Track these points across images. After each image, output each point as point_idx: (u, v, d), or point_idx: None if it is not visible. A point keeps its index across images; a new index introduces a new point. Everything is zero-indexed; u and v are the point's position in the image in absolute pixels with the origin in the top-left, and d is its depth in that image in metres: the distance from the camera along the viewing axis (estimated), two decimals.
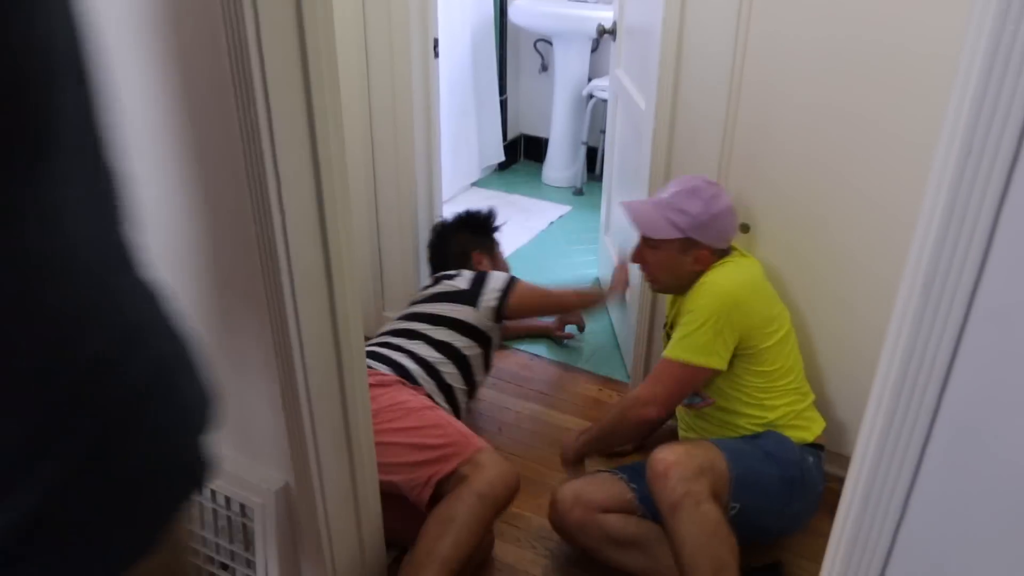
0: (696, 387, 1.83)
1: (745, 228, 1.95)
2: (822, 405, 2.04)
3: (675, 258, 1.83)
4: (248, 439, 1.50)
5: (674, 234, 1.79)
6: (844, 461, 2.03)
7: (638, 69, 2.23)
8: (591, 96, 3.81)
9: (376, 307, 2.65)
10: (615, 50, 2.56)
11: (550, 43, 3.97)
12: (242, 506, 1.50)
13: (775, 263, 1.96)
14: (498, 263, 2.50)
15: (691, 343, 1.74)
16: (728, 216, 1.82)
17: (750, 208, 1.94)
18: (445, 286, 2.17)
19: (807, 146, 1.82)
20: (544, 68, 4.13)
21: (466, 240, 2.46)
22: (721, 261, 1.83)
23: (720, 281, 1.78)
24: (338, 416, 1.42)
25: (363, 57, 2.30)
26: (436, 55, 2.36)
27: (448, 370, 2.02)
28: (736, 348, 1.75)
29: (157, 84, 1.21)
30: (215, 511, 1.56)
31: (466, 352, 2.06)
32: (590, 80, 3.89)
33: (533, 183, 4.09)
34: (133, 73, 1.22)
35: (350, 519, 1.55)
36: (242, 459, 1.52)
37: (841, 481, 1.02)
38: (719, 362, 1.75)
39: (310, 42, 1.11)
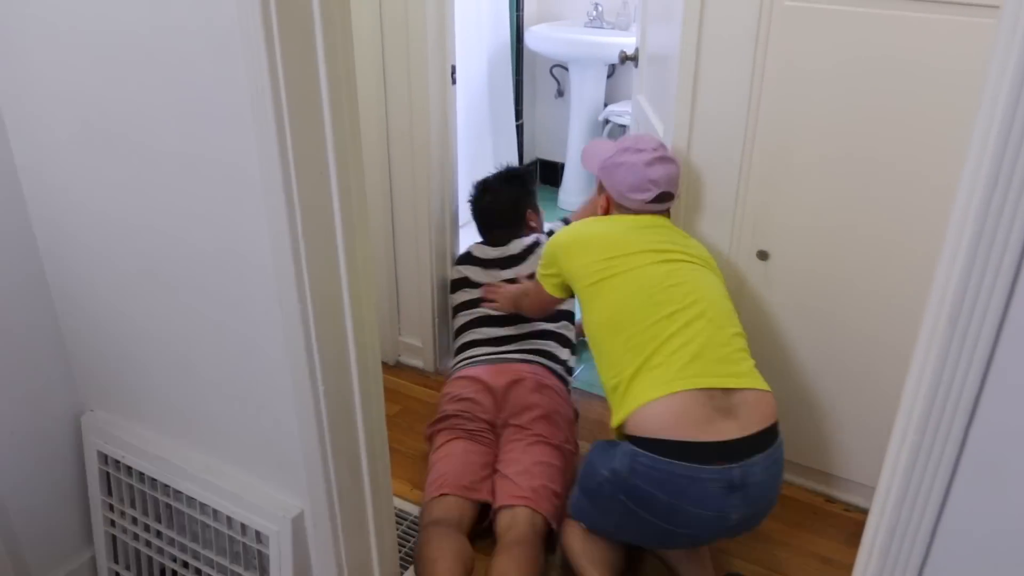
0: (545, 304, 2.03)
1: (763, 255, 1.94)
2: (835, 432, 2.02)
3: (595, 197, 2.04)
4: (264, 465, 1.49)
5: (591, 169, 1.98)
6: (854, 487, 2.04)
7: (659, 96, 2.23)
8: (607, 121, 3.82)
9: (392, 331, 2.65)
10: (637, 76, 2.57)
11: (566, 68, 3.98)
12: (257, 533, 1.50)
13: (793, 292, 1.94)
14: (541, 218, 2.60)
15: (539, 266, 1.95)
16: (628, 174, 1.85)
17: (768, 235, 1.93)
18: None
19: (826, 174, 1.81)
20: (560, 93, 4.15)
21: (516, 195, 2.54)
22: (614, 215, 1.91)
23: (574, 226, 1.91)
24: (355, 442, 1.42)
25: (381, 83, 2.32)
26: (453, 81, 2.37)
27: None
28: (570, 287, 1.86)
29: (172, 110, 1.22)
30: (230, 538, 1.55)
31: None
32: (606, 105, 3.90)
33: (549, 208, 4.09)
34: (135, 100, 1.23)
35: (366, 546, 1.54)
36: (258, 485, 1.51)
37: (847, 507, 1.00)
38: (550, 287, 1.91)
39: (330, 70, 1.12)
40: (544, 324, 2.33)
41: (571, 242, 1.84)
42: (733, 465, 1.49)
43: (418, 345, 2.67)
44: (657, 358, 1.58)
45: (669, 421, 1.52)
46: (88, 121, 1.35)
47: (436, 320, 2.60)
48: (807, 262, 1.91)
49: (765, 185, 1.89)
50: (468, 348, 2.33)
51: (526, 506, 1.86)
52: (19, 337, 1.60)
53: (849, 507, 2.07)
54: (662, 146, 1.90)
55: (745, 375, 1.60)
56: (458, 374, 2.24)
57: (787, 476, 2.14)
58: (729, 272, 2.00)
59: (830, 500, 2.11)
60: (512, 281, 2.36)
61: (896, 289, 1.81)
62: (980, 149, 0.74)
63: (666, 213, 1.93)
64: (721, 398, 1.54)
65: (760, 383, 1.61)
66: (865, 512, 0.98)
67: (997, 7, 0.75)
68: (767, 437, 1.55)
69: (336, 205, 1.16)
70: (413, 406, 2.52)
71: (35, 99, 1.39)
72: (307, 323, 1.21)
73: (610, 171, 1.89)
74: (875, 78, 1.68)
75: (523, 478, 1.92)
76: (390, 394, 2.39)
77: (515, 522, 1.84)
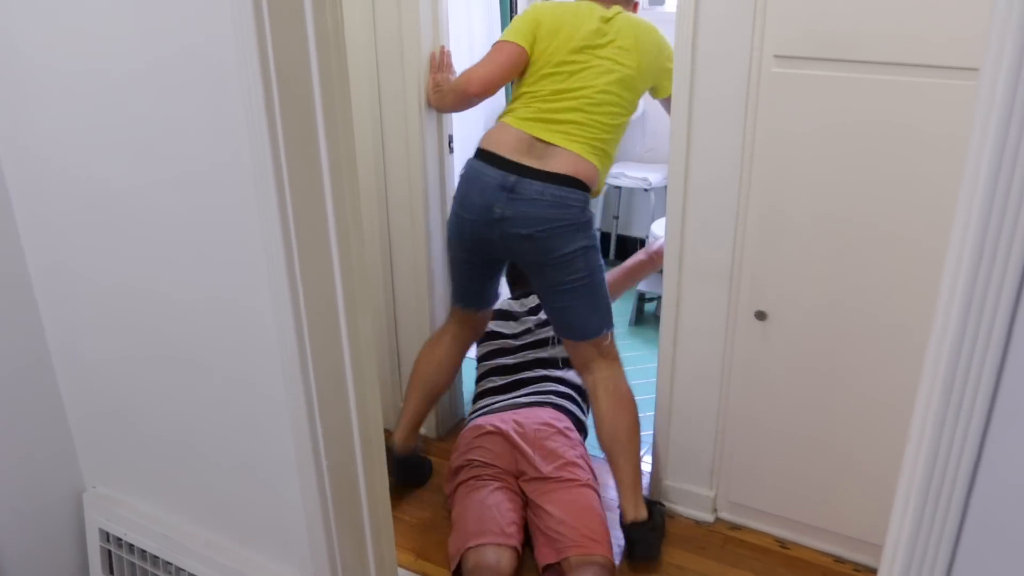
0: (513, 66, 2.14)
1: (761, 316, 1.95)
2: (842, 492, 2.00)
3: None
4: (267, 540, 1.48)
5: None
6: (863, 546, 2.01)
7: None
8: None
9: (393, 397, 2.65)
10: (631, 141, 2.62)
11: None
12: None
13: (793, 350, 1.95)
14: None
15: (510, 27, 2.18)
16: None
17: (765, 295, 1.95)
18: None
19: (821, 233, 1.83)
20: None
21: None
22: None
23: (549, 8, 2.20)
24: (359, 515, 1.41)
25: (380, 152, 2.36)
26: (451, 150, 2.41)
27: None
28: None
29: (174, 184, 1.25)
30: None
31: None
32: None
33: None
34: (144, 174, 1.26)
35: None
36: (261, 561, 1.50)
37: (856, 567, 0.99)
38: (519, 37, 2.12)
39: (331, 151, 1.15)
40: (555, 371, 2.45)
41: (549, 23, 2.15)
42: (512, 174, 2.04)
43: None
44: (524, 89, 2.14)
45: (494, 140, 2.11)
46: (94, 201, 1.37)
47: None
48: (806, 321, 1.92)
49: (761, 245, 1.91)
50: (482, 397, 2.43)
51: (602, 553, 1.96)
52: (23, 414, 1.60)
53: (859, 567, 2.05)
54: None
55: (570, 140, 2.08)
56: (472, 423, 2.32)
57: (795, 537, 2.13)
58: (728, 333, 2.02)
59: (839, 560, 2.08)
60: (545, 324, 2.58)
61: (895, 346, 1.82)
62: (965, 218, 0.76)
63: (626, 4, 2.23)
64: (540, 146, 2.07)
65: (585, 154, 2.08)
66: (875, 572, 0.97)
67: (976, 70, 0.77)
68: (556, 177, 2.05)
69: (338, 282, 1.18)
70: None
71: (43, 181, 1.42)
72: (310, 399, 1.22)
73: None
74: (863, 140, 1.72)
75: (579, 523, 2.00)
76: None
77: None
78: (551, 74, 2.10)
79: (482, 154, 2.10)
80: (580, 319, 2.16)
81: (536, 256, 2.09)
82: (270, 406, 1.30)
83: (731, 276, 1.98)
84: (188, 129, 1.20)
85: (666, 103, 2.17)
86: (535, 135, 2.07)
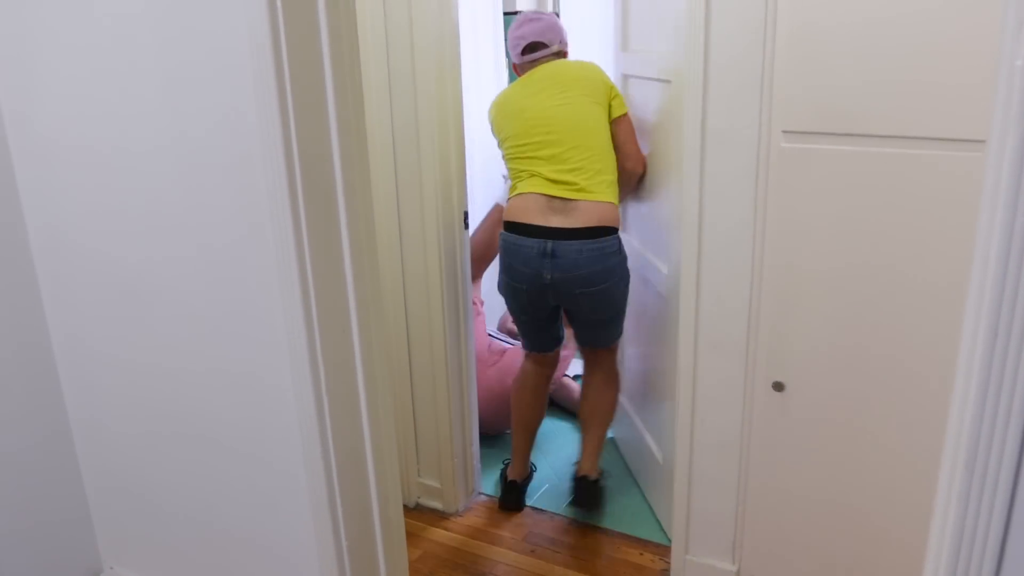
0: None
1: (779, 387, 1.95)
2: (864, 559, 1.96)
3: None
4: None
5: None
6: None
7: (653, 233, 2.32)
8: None
9: (411, 472, 2.64)
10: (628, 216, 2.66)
11: None
12: None
13: (811, 423, 1.94)
14: None
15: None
16: (509, 42, 2.49)
17: (783, 364, 1.94)
18: None
19: (836, 303, 1.84)
20: None
21: None
22: (520, 79, 2.49)
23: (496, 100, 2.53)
24: None
25: (396, 229, 2.40)
26: (466, 226, 2.45)
27: None
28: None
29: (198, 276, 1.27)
30: None
31: None
32: None
33: None
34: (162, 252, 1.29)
35: None
36: None
37: None
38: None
39: (351, 226, 1.18)
40: None
41: (498, 113, 2.47)
42: (547, 240, 2.27)
43: (437, 486, 2.65)
44: (523, 165, 2.36)
45: (517, 210, 2.34)
46: (115, 276, 1.40)
47: (455, 461, 2.59)
48: (824, 389, 1.91)
49: (776, 316, 1.92)
50: None
51: None
52: (42, 491, 1.61)
53: None
54: (536, 14, 2.50)
55: (584, 190, 2.27)
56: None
57: None
58: (746, 404, 2.01)
59: None
60: None
61: (917, 412, 1.81)
62: (979, 291, 0.77)
63: (554, 56, 2.47)
64: (558, 203, 2.28)
65: (600, 196, 2.28)
66: None
67: (983, 142, 0.79)
68: (587, 232, 2.26)
69: (359, 361, 1.20)
70: (434, 550, 2.47)
71: (69, 257, 1.46)
72: (330, 478, 1.22)
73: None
74: (874, 211, 1.74)
75: None
76: (410, 538, 2.36)
77: None
78: (537, 143, 2.33)
79: (512, 226, 2.33)
80: (603, 337, 2.49)
81: (589, 304, 2.34)
82: (289, 484, 1.31)
83: (747, 347, 1.98)
84: (210, 207, 1.23)
85: (619, 127, 2.39)
86: (553, 195, 2.27)
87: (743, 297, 1.95)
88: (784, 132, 1.80)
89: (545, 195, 2.28)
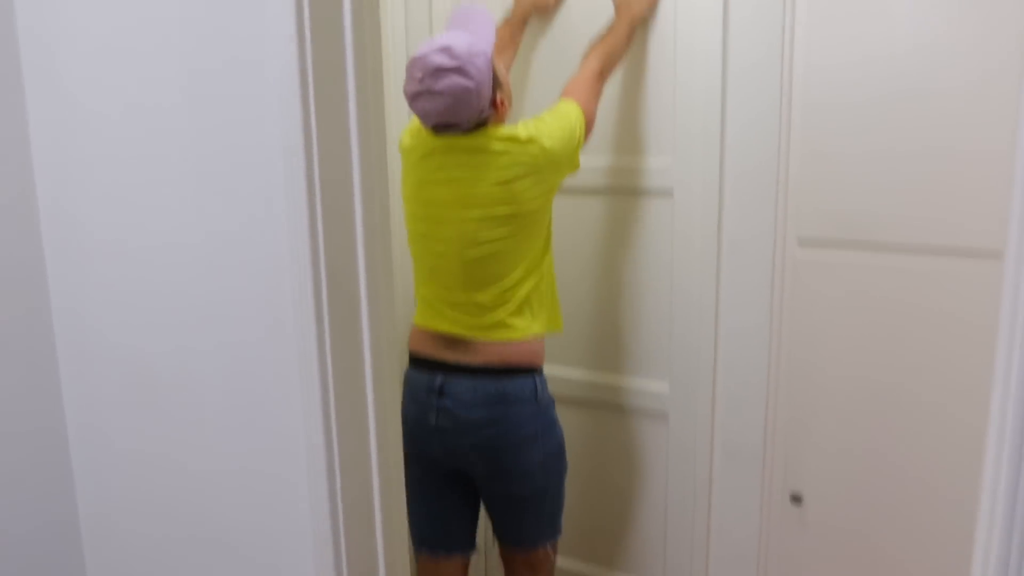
0: None
1: (796, 499, 1.91)
2: None
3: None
4: None
5: None
6: None
7: None
8: None
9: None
10: None
11: None
12: None
13: (830, 536, 1.89)
14: None
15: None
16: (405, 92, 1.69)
17: (800, 475, 1.91)
18: None
19: (854, 412, 1.83)
20: None
21: None
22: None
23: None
24: None
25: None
26: None
27: None
28: None
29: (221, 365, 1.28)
30: None
31: None
32: None
33: None
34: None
35: None
36: None
37: None
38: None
39: (373, 332, 1.19)
40: None
41: (406, 154, 1.83)
42: (437, 374, 1.76)
43: None
44: (421, 290, 1.86)
45: (413, 339, 1.85)
46: (134, 368, 1.41)
47: None
48: (844, 502, 1.88)
49: (792, 424, 1.90)
50: None
51: None
52: None
53: None
54: (437, 71, 1.61)
55: (481, 330, 1.76)
56: None
57: None
58: (763, 516, 1.97)
59: None
60: None
61: (939, 526, 1.77)
62: (1001, 408, 0.76)
63: (478, 127, 1.70)
64: (453, 339, 1.78)
65: (507, 333, 1.75)
66: None
67: (999, 252, 0.80)
68: (487, 370, 1.74)
69: (375, 469, 1.19)
70: None
71: (90, 347, 1.47)
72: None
73: None
74: (890, 318, 1.75)
75: None
76: None
77: None
78: (430, 252, 1.79)
79: (410, 357, 1.85)
80: (521, 530, 1.86)
81: (484, 469, 1.78)
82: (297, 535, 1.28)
83: (764, 457, 1.96)
84: (233, 303, 1.24)
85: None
86: (447, 332, 1.78)
87: (760, 406, 1.94)
88: (800, 241, 1.83)
89: (439, 333, 1.79)
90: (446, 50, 1.61)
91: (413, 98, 1.66)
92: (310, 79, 1.08)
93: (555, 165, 1.72)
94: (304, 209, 1.10)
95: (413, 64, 1.64)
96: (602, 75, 1.86)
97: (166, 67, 1.23)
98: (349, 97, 1.14)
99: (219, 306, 1.27)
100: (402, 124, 1.93)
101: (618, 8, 1.92)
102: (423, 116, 1.68)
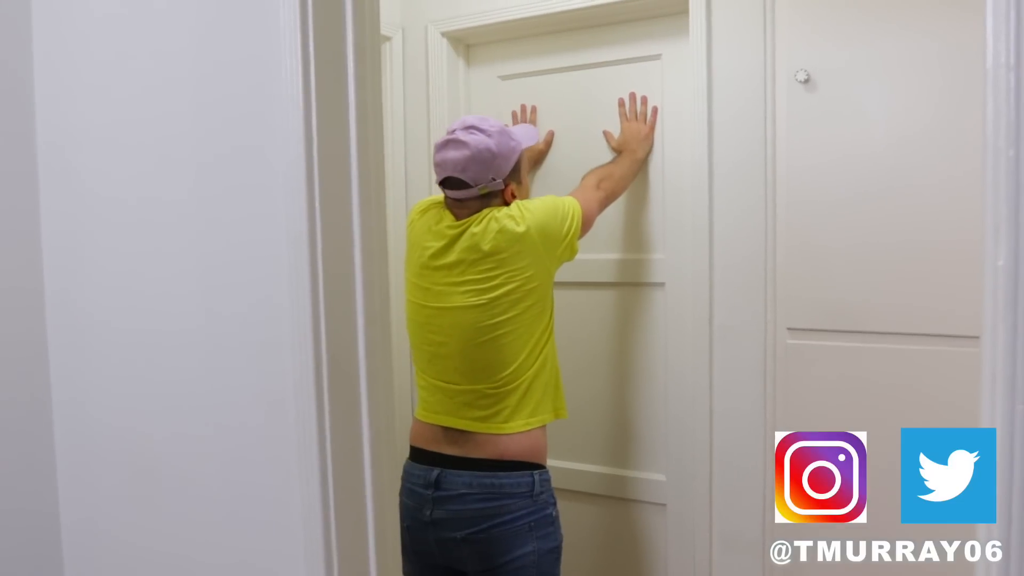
0: None
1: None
2: None
3: None
4: None
5: None
6: None
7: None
8: None
9: None
10: None
11: None
12: None
13: None
14: None
15: None
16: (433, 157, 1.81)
17: (801, 567, 1.89)
18: None
19: None
20: None
21: None
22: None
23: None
24: None
25: (409, 411, 2.42)
26: None
27: None
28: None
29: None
30: None
31: None
32: None
33: None
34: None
35: None
36: None
37: None
38: None
39: (372, 419, 1.20)
40: None
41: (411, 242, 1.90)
42: (435, 468, 1.77)
43: None
44: (420, 380, 1.88)
45: (413, 433, 1.87)
46: (134, 459, 1.40)
47: None
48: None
49: None
50: None
51: None
52: None
53: None
54: (470, 128, 1.75)
55: (480, 421, 1.76)
56: None
57: None
58: None
59: None
60: None
61: None
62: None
63: (481, 202, 1.77)
64: (454, 433, 1.78)
65: (507, 426, 1.75)
66: None
67: (977, 337, 0.84)
68: (484, 463, 1.74)
69: (372, 558, 1.19)
70: None
71: (90, 435, 1.46)
72: None
73: None
74: (877, 401, 1.77)
75: None
76: None
77: None
78: (429, 340, 1.83)
79: (410, 450, 1.86)
80: None
81: (477, 564, 1.75)
82: None
83: (763, 546, 1.94)
84: (233, 388, 1.26)
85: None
86: (446, 426, 1.79)
87: (756, 493, 1.93)
88: (788, 329, 1.87)
89: (439, 426, 1.80)
90: (484, 120, 1.78)
91: (439, 148, 1.76)
92: (315, 170, 1.13)
93: (548, 241, 1.76)
94: (307, 295, 1.14)
95: (451, 124, 1.82)
96: (599, 187, 1.95)
97: (175, 157, 1.28)
98: (352, 188, 1.19)
99: (218, 391, 1.28)
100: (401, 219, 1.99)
101: (622, 154, 2.09)
102: (440, 165, 1.75)
